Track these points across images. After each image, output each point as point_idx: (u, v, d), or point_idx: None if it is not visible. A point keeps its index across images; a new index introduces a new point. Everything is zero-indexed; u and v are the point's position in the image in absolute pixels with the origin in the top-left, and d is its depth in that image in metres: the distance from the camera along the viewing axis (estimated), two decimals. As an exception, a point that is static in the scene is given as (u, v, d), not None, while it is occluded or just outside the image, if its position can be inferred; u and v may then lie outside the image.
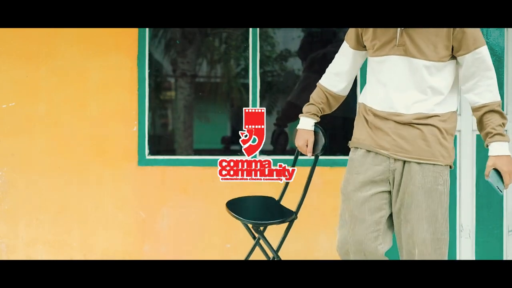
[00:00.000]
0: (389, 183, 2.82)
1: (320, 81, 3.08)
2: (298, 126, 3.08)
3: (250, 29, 4.40)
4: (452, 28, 2.70)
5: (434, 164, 2.76)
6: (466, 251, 4.34)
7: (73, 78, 4.35)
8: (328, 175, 4.23)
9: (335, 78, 3.02)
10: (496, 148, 2.72)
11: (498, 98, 2.77)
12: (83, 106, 4.35)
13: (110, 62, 4.34)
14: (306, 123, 3.07)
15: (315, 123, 3.08)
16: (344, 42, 2.99)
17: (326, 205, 4.26)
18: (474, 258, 4.33)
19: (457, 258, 4.33)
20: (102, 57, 4.34)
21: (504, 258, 4.32)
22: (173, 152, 5.82)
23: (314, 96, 3.07)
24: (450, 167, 2.84)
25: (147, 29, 4.37)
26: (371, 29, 2.83)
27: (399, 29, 2.74)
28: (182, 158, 4.54)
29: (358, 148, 2.88)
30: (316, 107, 3.05)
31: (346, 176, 2.90)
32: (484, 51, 2.74)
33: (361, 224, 2.80)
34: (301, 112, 3.09)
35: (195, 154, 5.81)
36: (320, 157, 3.25)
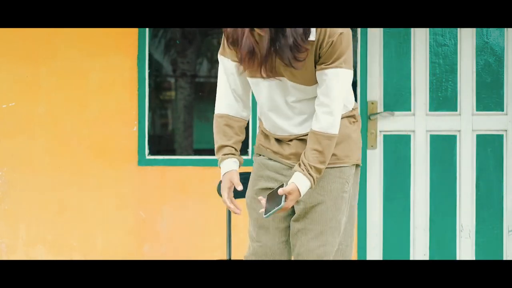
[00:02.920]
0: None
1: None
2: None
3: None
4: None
5: (340, 167, 2.48)
6: (466, 251, 4.34)
7: (73, 78, 4.35)
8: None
9: None
10: (297, 178, 2.37)
11: (330, 132, 2.35)
12: (83, 106, 4.35)
13: (110, 62, 4.34)
14: None
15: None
16: None
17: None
18: (474, 258, 4.33)
19: (457, 258, 4.33)
20: (102, 57, 4.34)
21: (504, 258, 4.32)
22: (173, 152, 5.81)
23: None
24: (358, 165, 2.55)
25: (147, 29, 4.37)
26: None
27: None
28: (182, 158, 4.54)
29: (260, 155, 2.64)
30: None
31: (249, 184, 2.67)
32: (330, 73, 2.36)
33: (266, 235, 2.62)
34: None
35: (195, 154, 5.81)
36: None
